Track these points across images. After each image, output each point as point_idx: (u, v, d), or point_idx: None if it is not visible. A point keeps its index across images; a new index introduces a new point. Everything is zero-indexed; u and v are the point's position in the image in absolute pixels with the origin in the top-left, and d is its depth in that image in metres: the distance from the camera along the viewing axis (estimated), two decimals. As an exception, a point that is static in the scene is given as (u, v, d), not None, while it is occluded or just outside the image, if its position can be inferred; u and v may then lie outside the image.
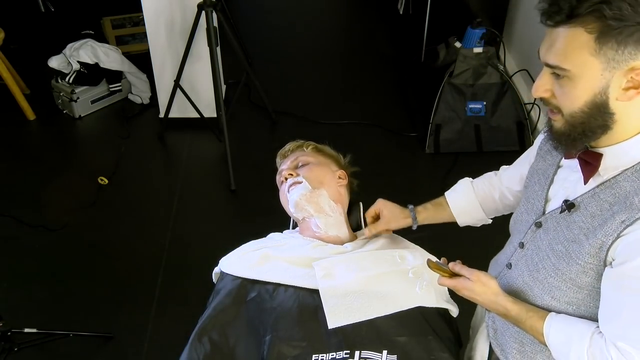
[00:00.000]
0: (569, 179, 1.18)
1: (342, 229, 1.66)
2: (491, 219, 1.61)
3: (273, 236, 1.70)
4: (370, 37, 4.57)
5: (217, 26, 3.12)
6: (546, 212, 1.23)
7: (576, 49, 0.98)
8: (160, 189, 3.26)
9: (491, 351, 1.46)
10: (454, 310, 1.54)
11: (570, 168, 1.18)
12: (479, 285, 1.25)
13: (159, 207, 3.11)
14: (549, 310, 1.22)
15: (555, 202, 1.21)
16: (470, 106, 3.29)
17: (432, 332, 1.41)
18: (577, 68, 0.99)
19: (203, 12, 3.04)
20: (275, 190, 1.76)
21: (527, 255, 1.28)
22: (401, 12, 4.71)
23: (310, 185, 1.64)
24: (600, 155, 1.08)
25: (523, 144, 3.32)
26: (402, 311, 1.42)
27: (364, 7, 4.98)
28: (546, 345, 1.19)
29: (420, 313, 1.43)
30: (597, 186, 1.10)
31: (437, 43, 3.55)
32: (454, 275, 1.31)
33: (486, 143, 3.33)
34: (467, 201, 1.58)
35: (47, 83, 3.75)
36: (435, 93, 3.29)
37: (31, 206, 3.07)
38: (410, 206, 1.63)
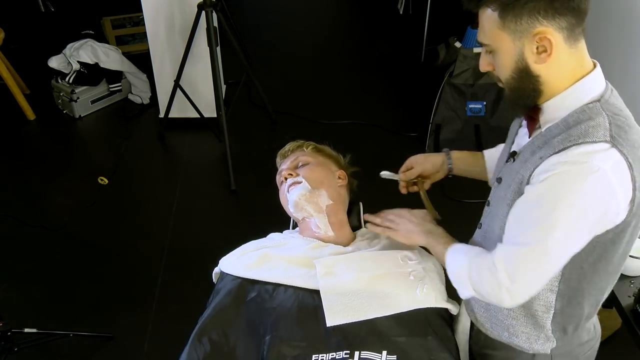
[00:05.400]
0: (520, 133, 1.33)
1: (342, 229, 1.66)
2: None
3: (273, 236, 1.71)
4: (370, 37, 4.57)
5: (217, 26, 3.12)
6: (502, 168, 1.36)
7: (489, 26, 1.17)
8: (160, 188, 3.26)
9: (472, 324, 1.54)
10: (454, 310, 1.54)
11: (525, 124, 1.31)
12: (406, 213, 1.50)
13: (159, 207, 3.11)
14: None
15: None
16: (470, 106, 3.28)
17: (431, 332, 1.42)
18: (494, 42, 1.18)
19: (203, 12, 3.04)
20: (275, 190, 1.76)
21: (490, 212, 1.38)
22: (401, 12, 4.71)
23: (310, 186, 1.64)
24: (539, 110, 1.23)
25: (523, 144, 3.32)
26: (402, 312, 1.42)
27: (364, 7, 4.99)
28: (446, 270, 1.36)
29: (419, 313, 1.44)
30: (535, 136, 1.24)
31: (437, 43, 3.55)
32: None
33: (486, 143, 3.33)
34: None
35: (47, 83, 3.76)
36: (435, 93, 3.29)
37: (31, 206, 3.08)
38: (445, 149, 1.66)
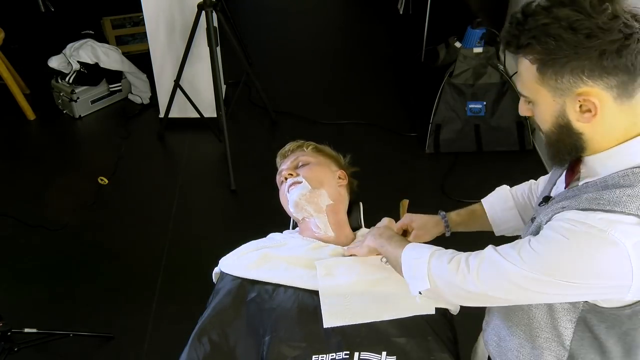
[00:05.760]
0: (561, 178, 1.23)
1: (342, 229, 1.66)
2: None
3: (273, 236, 1.70)
4: (370, 37, 4.56)
5: (217, 26, 3.12)
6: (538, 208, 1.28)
7: (527, 78, 1.06)
8: (160, 189, 3.25)
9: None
10: (454, 310, 1.54)
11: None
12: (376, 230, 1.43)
13: (159, 207, 3.11)
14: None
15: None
16: (470, 106, 3.28)
17: (431, 332, 1.41)
18: (532, 95, 1.08)
19: (203, 12, 3.04)
20: (276, 190, 1.76)
21: None
22: (401, 12, 4.71)
23: (310, 185, 1.64)
24: (580, 162, 1.14)
25: (523, 144, 3.32)
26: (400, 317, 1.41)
27: (364, 7, 4.99)
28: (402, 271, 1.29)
29: (422, 314, 1.43)
30: (571, 188, 1.15)
31: (437, 43, 3.55)
32: None
33: (486, 143, 3.33)
34: (505, 209, 1.50)
35: (47, 83, 3.76)
36: (435, 93, 3.29)
37: (31, 206, 3.07)
38: (442, 213, 1.56)
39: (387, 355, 1.35)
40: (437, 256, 1.22)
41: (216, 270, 1.64)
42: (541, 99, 1.06)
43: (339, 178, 1.74)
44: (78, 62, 3.65)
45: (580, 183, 1.13)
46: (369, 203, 1.87)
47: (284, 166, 1.76)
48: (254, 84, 3.55)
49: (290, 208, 1.66)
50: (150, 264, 2.76)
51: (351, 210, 1.78)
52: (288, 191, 1.66)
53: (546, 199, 1.21)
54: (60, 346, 2.36)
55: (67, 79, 3.66)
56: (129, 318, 2.51)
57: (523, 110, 1.14)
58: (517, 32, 1.04)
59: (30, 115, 3.70)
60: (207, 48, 3.10)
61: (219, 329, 1.40)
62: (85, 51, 3.67)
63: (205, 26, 3.05)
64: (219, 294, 1.50)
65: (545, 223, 1.11)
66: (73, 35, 3.98)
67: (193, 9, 3.10)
